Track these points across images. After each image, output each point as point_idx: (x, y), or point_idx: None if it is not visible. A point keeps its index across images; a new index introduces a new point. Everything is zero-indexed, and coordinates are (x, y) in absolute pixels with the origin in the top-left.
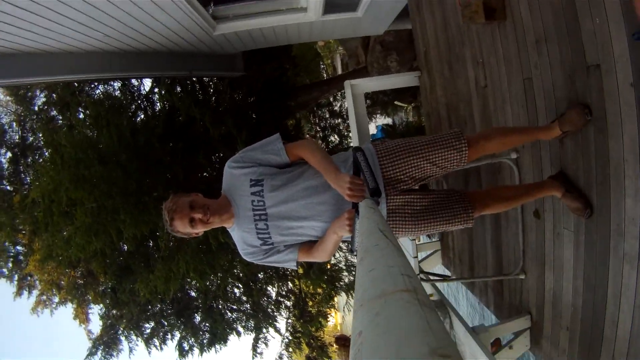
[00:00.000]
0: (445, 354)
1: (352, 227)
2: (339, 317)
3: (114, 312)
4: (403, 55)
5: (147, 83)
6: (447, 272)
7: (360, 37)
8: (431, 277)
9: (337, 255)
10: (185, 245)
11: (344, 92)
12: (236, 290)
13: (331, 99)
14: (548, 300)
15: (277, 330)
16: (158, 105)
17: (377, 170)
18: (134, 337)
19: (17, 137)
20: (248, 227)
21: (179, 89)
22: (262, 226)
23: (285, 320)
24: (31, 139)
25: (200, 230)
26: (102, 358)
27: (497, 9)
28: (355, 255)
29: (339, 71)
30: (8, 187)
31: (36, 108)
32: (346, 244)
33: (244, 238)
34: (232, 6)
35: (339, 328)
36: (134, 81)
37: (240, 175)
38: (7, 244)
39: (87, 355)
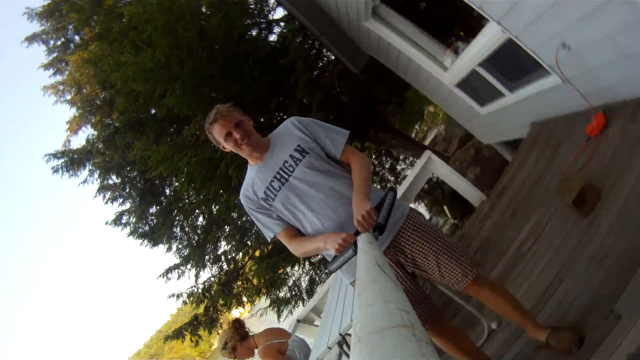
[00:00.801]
0: None
1: (342, 252)
2: (246, 314)
3: (100, 146)
4: (484, 175)
5: (280, 12)
6: None
7: (465, 131)
8: None
9: (299, 269)
10: (201, 147)
11: (416, 160)
12: (200, 219)
13: (401, 157)
14: None
15: (196, 276)
16: (273, 37)
17: (395, 226)
18: (96, 175)
19: None
20: (265, 177)
21: (300, 39)
22: (276, 186)
23: (210, 274)
24: None
25: (229, 147)
26: (61, 166)
27: (587, 203)
28: (327, 275)
29: (426, 142)
30: None
31: None
32: (321, 262)
33: (254, 182)
34: (394, 14)
35: (242, 317)
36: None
37: (295, 134)
38: (74, 26)
39: (52, 154)
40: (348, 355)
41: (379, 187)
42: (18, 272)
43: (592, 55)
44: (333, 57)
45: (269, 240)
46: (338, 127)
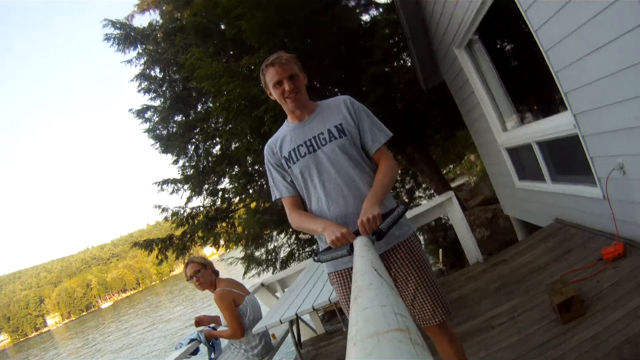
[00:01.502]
0: None
1: (337, 248)
2: (215, 256)
3: (159, 35)
4: (490, 241)
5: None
6: None
7: (493, 193)
8: None
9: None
10: (250, 82)
11: (435, 195)
12: (217, 148)
13: (423, 186)
14: None
15: (188, 199)
16: (366, 17)
17: (393, 240)
18: (142, 61)
19: None
20: (296, 138)
21: (389, 31)
22: (302, 152)
23: (201, 204)
24: None
25: (275, 95)
26: (115, 36)
27: (570, 312)
28: (314, 260)
29: (452, 185)
30: None
31: None
32: (306, 242)
33: (284, 139)
34: (486, 56)
35: (210, 258)
36: None
37: (342, 112)
38: None
39: (112, 22)
40: (294, 335)
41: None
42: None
43: None
44: (409, 64)
45: (273, 199)
46: (384, 126)
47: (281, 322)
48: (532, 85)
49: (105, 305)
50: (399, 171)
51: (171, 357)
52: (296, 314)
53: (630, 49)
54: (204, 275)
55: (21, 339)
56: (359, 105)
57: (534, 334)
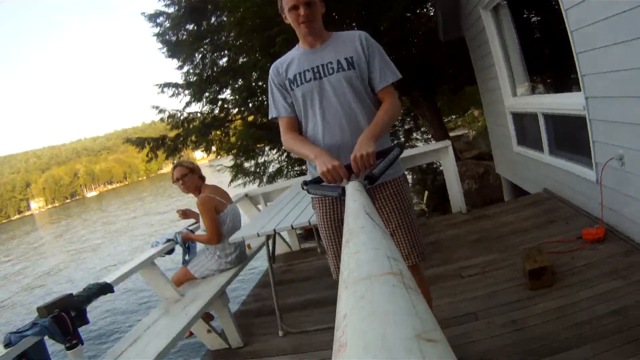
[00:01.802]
0: (431, 338)
1: (329, 187)
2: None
3: None
4: (477, 195)
5: None
6: None
7: (489, 151)
8: None
9: (275, 154)
10: (267, 3)
11: (433, 141)
12: (224, 60)
13: (422, 129)
14: None
15: (187, 103)
16: None
17: (382, 178)
18: None
19: None
20: (304, 63)
21: None
22: (307, 77)
23: (199, 110)
24: None
25: (289, 20)
26: None
27: (540, 280)
28: (302, 187)
29: (451, 134)
30: None
31: None
32: (296, 161)
33: (292, 61)
34: (510, 23)
35: (200, 162)
36: None
37: (355, 46)
38: None
39: None
40: (269, 249)
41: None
42: None
43: (637, 185)
44: (432, 14)
45: (270, 117)
46: (395, 67)
47: (258, 236)
48: (549, 60)
49: (90, 194)
50: (401, 111)
51: (146, 254)
52: (274, 230)
53: None
54: (191, 179)
55: (4, 221)
56: (374, 42)
57: (501, 293)
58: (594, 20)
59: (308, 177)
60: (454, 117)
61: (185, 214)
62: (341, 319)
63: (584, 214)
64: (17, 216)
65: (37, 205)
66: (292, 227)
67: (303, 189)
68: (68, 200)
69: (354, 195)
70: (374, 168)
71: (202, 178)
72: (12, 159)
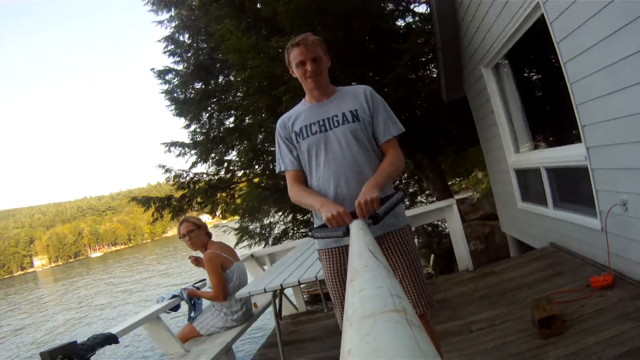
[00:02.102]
0: None
1: (333, 228)
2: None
3: (195, 2)
4: (483, 255)
5: (422, 8)
6: None
7: (494, 211)
8: None
9: (281, 215)
10: (276, 62)
11: (437, 200)
12: (231, 120)
13: (426, 192)
14: None
15: (193, 164)
16: (401, 22)
17: (387, 227)
18: (173, 25)
19: None
20: (310, 117)
21: (422, 40)
22: (313, 129)
23: (205, 171)
24: None
25: (297, 74)
26: None
27: (551, 329)
28: (310, 236)
29: (456, 197)
30: None
31: None
32: (302, 223)
33: (298, 115)
34: (511, 80)
35: (210, 223)
36: None
37: (360, 100)
38: None
39: None
40: (276, 306)
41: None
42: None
43: None
44: (434, 75)
45: (277, 171)
46: (398, 120)
47: (265, 291)
48: (550, 114)
49: (94, 255)
50: (404, 165)
51: (152, 309)
52: (281, 285)
53: None
54: (197, 235)
55: (6, 276)
56: (378, 96)
57: (511, 344)
58: (592, 71)
59: None
60: (457, 179)
61: (197, 261)
62: (346, 354)
63: (591, 263)
64: (19, 272)
65: (40, 262)
66: (299, 283)
67: (309, 236)
68: (72, 260)
69: (358, 233)
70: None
71: (209, 235)
72: (17, 212)
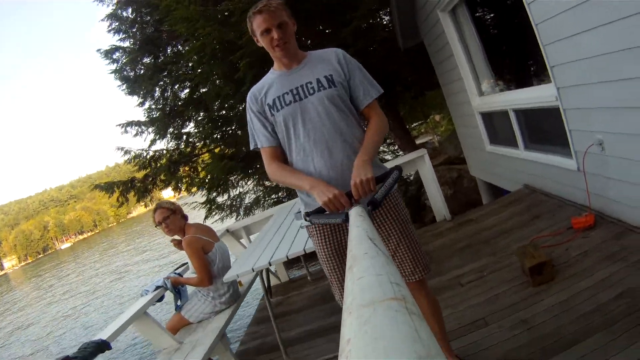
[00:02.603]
0: None
1: (332, 215)
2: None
3: None
4: (453, 201)
5: None
6: None
7: (458, 153)
8: None
9: (251, 184)
10: (228, 27)
11: (400, 152)
12: (186, 92)
13: (388, 141)
14: None
15: (152, 141)
16: None
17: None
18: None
19: None
20: (282, 86)
21: None
22: (287, 100)
23: (165, 147)
24: None
25: (262, 43)
26: None
27: (542, 276)
28: (306, 220)
29: (417, 142)
30: None
31: None
32: (273, 189)
33: (269, 86)
34: (469, 22)
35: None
36: None
37: (333, 64)
38: None
39: None
40: (264, 283)
41: None
42: None
43: (618, 167)
44: (386, 22)
45: (251, 147)
46: (374, 81)
47: (253, 271)
48: (513, 55)
49: (63, 246)
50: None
51: (137, 305)
52: (269, 262)
53: (624, 34)
54: (173, 221)
55: None
56: (351, 59)
57: (503, 295)
58: (559, 11)
59: (302, 207)
60: (416, 124)
61: (179, 243)
62: (345, 343)
63: (570, 204)
64: None
65: (10, 264)
66: (288, 258)
67: (305, 220)
68: (41, 255)
69: (357, 220)
70: (375, 193)
71: (185, 217)
72: None
